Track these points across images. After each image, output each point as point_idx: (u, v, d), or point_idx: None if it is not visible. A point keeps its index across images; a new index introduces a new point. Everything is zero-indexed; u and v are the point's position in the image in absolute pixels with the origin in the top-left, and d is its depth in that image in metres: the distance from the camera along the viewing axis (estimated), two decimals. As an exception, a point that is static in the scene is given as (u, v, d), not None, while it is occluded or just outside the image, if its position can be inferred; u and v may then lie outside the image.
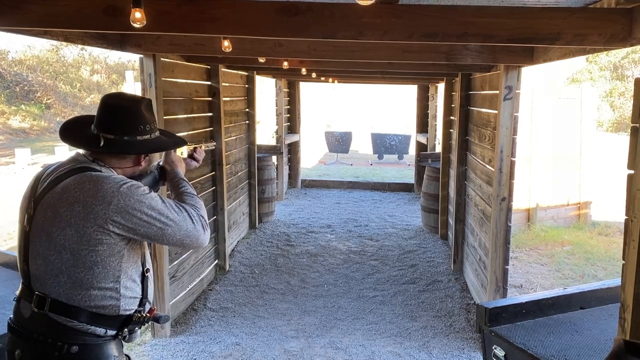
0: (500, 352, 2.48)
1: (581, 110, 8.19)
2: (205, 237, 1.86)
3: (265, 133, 12.84)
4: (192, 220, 1.81)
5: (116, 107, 1.84)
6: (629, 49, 20.05)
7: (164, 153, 2.13)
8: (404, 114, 20.79)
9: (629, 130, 1.80)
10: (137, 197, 1.71)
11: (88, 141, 1.81)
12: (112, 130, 1.80)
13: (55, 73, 24.44)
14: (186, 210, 1.83)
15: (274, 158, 8.89)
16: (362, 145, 18.28)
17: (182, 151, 2.24)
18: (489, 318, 2.59)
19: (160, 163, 2.15)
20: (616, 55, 22.43)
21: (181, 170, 2.13)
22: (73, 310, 1.69)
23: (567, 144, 8.11)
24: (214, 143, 2.73)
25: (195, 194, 2.00)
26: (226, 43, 3.29)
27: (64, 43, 20.69)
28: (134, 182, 1.77)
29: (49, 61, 24.49)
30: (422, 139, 10.23)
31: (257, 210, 7.58)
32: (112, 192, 1.68)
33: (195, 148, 2.31)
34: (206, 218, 1.91)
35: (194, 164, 2.28)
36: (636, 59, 21.89)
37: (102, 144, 1.78)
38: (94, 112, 1.90)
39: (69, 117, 2.12)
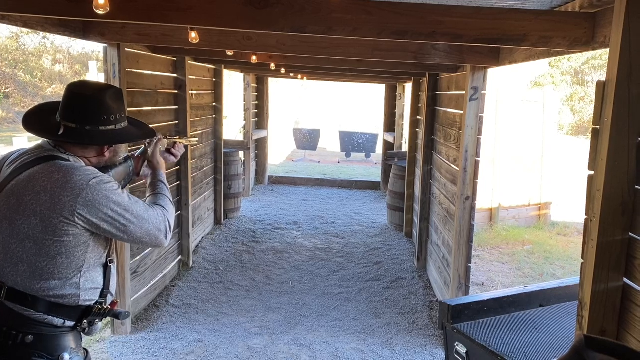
0: (462, 349, 2.52)
1: (543, 113, 8.39)
2: (165, 239, 1.86)
3: (233, 128, 12.69)
4: (156, 220, 1.81)
5: (80, 95, 1.78)
6: (590, 55, 20.69)
7: (151, 151, 2.08)
8: (372, 113, 20.92)
9: (589, 133, 1.84)
10: (105, 192, 1.69)
11: (49, 129, 1.77)
12: (73, 119, 1.75)
13: (14, 61, 23.57)
14: (154, 210, 1.83)
15: (241, 154, 8.79)
16: (330, 143, 18.32)
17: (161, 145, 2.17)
18: (451, 315, 2.62)
19: (136, 154, 2.10)
20: (577, 60, 23.12)
21: (163, 171, 2.09)
22: (30, 299, 1.66)
23: (529, 145, 8.30)
24: (197, 139, 2.66)
25: (170, 198, 1.99)
26: (193, 34, 3.22)
27: (25, 30, 20.01)
28: (104, 176, 1.75)
29: (8, 49, 23.60)
30: (390, 138, 10.32)
31: (222, 206, 7.48)
32: (81, 184, 1.66)
33: (174, 143, 2.22)
34: (172, 223, 1.91)
35: (172, 159, 2.22)
36: (596, 65, 22.60)
37: (61, 132, 1.74)
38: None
39: (30, 107, 2.04)
